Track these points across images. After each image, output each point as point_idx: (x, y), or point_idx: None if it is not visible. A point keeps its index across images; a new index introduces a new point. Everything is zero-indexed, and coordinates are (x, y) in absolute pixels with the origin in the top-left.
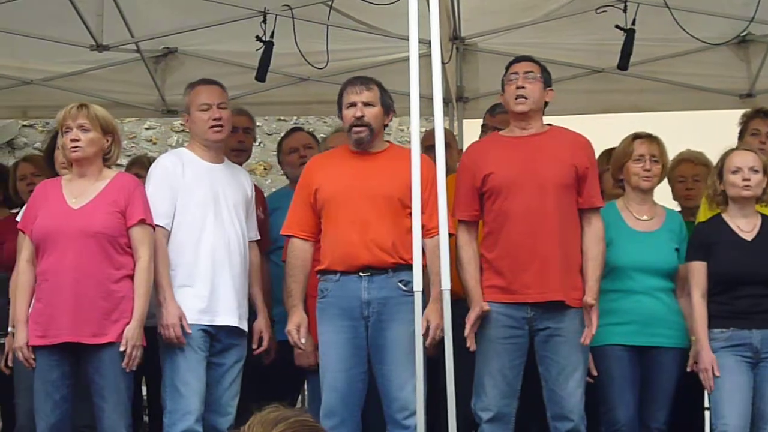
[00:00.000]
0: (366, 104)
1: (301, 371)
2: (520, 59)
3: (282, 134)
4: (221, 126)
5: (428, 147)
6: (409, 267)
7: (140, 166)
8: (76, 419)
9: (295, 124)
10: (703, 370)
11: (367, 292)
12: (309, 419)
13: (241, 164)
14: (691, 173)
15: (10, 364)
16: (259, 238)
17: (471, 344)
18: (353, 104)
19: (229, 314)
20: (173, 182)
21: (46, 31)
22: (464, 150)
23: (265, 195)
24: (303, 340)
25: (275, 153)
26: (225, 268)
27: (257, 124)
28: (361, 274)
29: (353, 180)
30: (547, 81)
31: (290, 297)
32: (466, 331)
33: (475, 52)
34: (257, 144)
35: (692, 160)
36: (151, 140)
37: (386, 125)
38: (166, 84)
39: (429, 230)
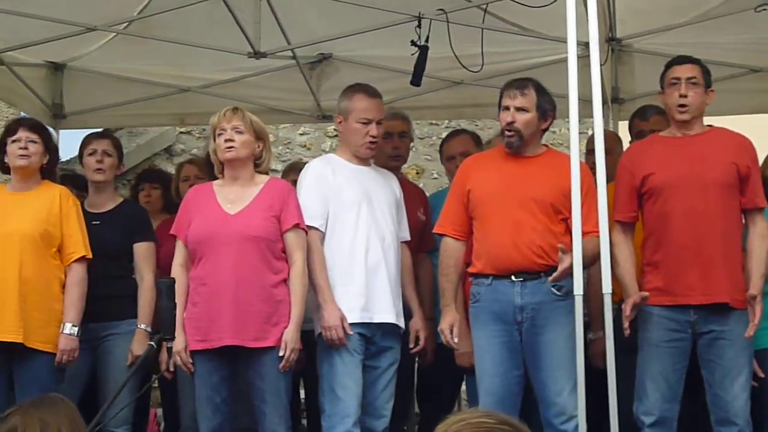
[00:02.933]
0: (519, 109)
1: (460, 373)
2: (681, 61)
3: (434, 138)
4: (375, 144)
5: (589, 151)
6: None
7: (296, 172)
8: (236, 422)
9: (447, 127)
10: None
11: (521, 297)
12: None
13: (398, 169)
14: None
15: (171, 368)
16: (409, 238)
17: (627, 329)
18: (506, 108)
19: (387, 311)
20: (324, 184)
21: (204, 40)
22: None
23: None
24: (456, 340)
25: (427, 157)
26: (381, 266)
27: None
28: (513, 278)
29: (507, 183)
30: (707, 83)
31: (443, 296)
32: (624, 322)
33: (630, 52)
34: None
35: None
36: (305, 146)
37: (545, 129)
38: (321, 89)
39: (584, 234)
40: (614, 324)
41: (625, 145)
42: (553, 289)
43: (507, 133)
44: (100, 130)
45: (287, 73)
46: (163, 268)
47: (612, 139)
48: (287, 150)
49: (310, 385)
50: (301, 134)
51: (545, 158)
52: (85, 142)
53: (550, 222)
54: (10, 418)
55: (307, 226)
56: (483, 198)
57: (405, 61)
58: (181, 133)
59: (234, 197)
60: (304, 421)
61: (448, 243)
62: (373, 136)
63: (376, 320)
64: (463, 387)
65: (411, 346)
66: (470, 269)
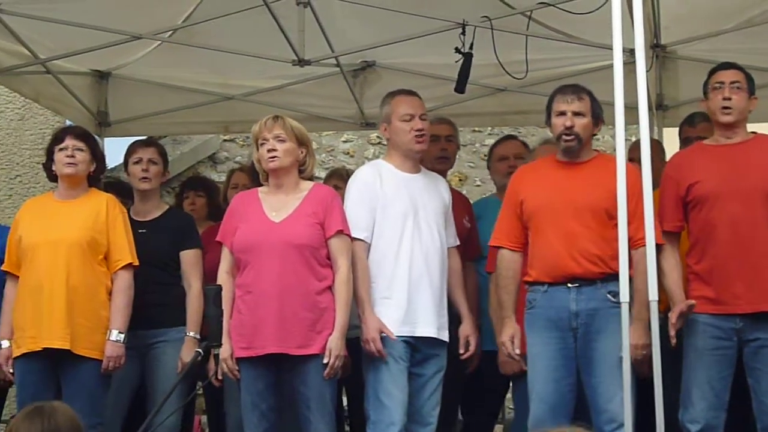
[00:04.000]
0: (576, 114)
1: (505, 380)
2: (725, 67)
3: (477, 145)
4: (423, 136)
5: (631, 159)
6: (617, 277)
7: (338, 177)
8: (283, 429)
9: (490, 134)
10: None
11: (576, 303)
12: None
13: (445, 172)
14: None
15: (219, 376)
16: (458, 243)
17: (674, 338)
18: (563, 113)
19: (429, 325)
20: (372, 195)
21: (248, 48)
22: (667, 160)
23: None
24: (517, 351)
25: (470, 164)
26: (424, 279)
27: None
28: (569, 285)
29: (559, 191)
30: (751, 89)
31: (502, 308)
32: (671, 330)
33: (674, 59)
34: None
35: None
36: (348, 153)
37: (595, 135)
38: (365, 97)
39: (636, 241)
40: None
41: (674, 149)
42: (608, 295)
43: (565, 137)
44: (144, 138)
45: (331, 81)
46: (209, 275)
47: (653, 148)
48: (330, 157)
49: (353, 392)
50: (344, 141)
51: (596, 163)
52: (131, 151)
53: (603, 228)
54: (10, 426)
55: (353, 237)
56: (536, 208)
57: (449, 69)
58: (225, 140)
59: (279, 205)
60: (348, 429)
61: (504, 255)
62: (419, 129)
63: (417, 334)
64: (509, 395)
65: (461, 351)
66: (526, 278)
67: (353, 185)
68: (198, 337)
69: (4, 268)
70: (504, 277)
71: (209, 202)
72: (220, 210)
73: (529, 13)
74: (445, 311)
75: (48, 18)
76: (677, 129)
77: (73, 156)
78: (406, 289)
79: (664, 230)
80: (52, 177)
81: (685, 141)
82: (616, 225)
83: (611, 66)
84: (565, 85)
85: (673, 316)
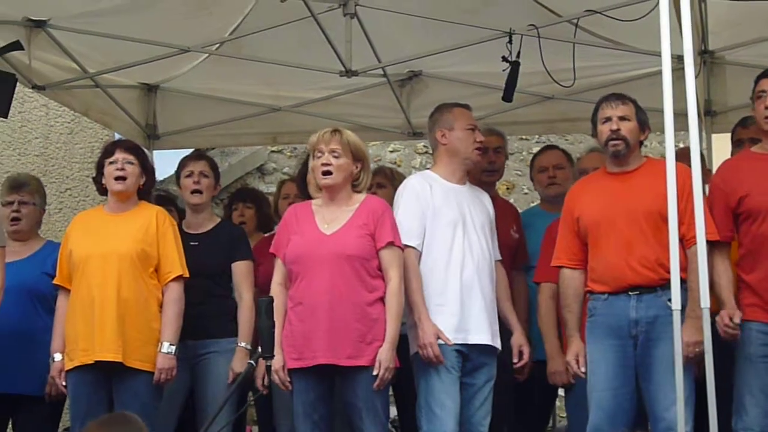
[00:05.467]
0: (621, 118)
1: (554, 390)
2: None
3: (524, 153)
4: (481, 150)
5: None
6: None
7: (383, 175)
8: None
9: (537, 142)
10: None
11: (636, 310)
12: None
13: (493, 184)
14: None
15: (266, 383)
16: (501, 258)
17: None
18: (609, 119)
19: (482, 332)
20: (423, 203)
21: (296, 59)
22: (714, 168)
23: None
24: (583, 369)
25: (518, 172)
26: (475, 286)
27: None
28: (629, 293)
29: (612, 201)
30: None
31: (566, 327)
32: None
33: (722, 65)
34: None
35: None
36: (395, 162)
37: (642, 141)
38: (412, 106)
39: (688, 240)
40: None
41: (723, 156)
42: (668, 302)
43: (613, 142)
44: (195, 151)
45: (377, 91)
46: (260, 286)
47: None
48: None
49: (403, 402)
50: (391, 151)
51: (646, 168)
52: (182, 164)
53: (659, 232)
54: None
55: (404, 244)
56: (592, 221)
57: (496, 77)
58: (273, 152)
59: (331, 217)
60: None
61: (565, 274)
62: (480, 141)
63: (471, 341)
64: (559, 404)
65: (515, 360)
66: (587, 289)
67: (404, 193)
68: (249, 347)
69: (55, 281)
70: (566, 296)
71: (258, 213)
72: (270, 221)
73: (575, 21)
74: (496, 319)
75: (96, 32)
76: (725, 135)
77: (123, 169)
78: (459, 296)
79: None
80: (102, 191)
81: (737, 143)
82: None
83: (659, 73)
84: (609, 94)
85: (722, 318)
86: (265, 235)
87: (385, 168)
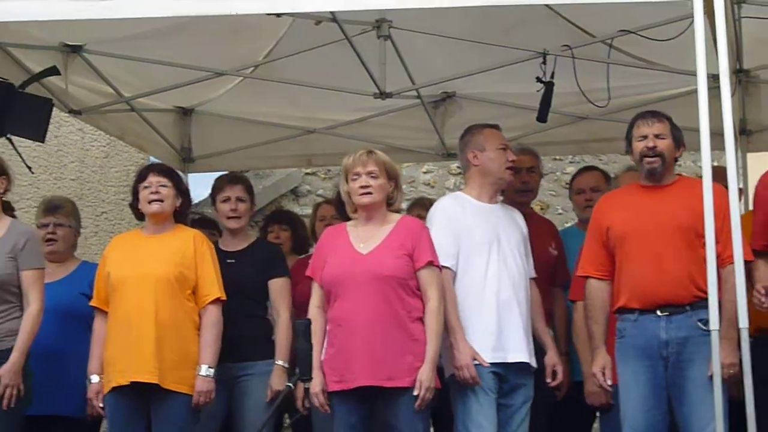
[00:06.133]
0: (657, 136)
1: (592, 410)
2: None
3: (558, 173)
4: (513, 170)
5: None
6: (707, 304)
7: (422, 207)
8: None
9: (571, 162)
10: None
11: (666, 332)
12: None
13: (527, 204)
14: None
15: (306, 405)
16: (535, 276)
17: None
18: (645, 136)
19: (520, 350)
20: (455, 223)
21: (329, 82)
22: (750, 187)
23: None
24: (609, 382)
25: (552, 193)
26: (513, 305)
27: None
28: (659, 313)
29: (645, 214)
30: None
31: (592, 339)
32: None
33: (757, 83)
34: None
35: None
36: (429, 183)
37: (677, 159)
38: (445, 128)
39: (723, 259)
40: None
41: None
42: (698, 323)
43: (649, 159)
44: (229, 173)
45: (411, 113)
46: (297, 307)
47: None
48: (411, 188)
49: (441, 425)
50: (424, 172)
51: (680, 185)
52: (218, 188)
53: (692, 250)
54: None
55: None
56: (623, 233)
57: (529, 98)
58: (307, 174)
59: (366, 236)
60: None
61: (592, 285)
62: (512, 161)
63: (509, 360)
64: (596, 425)
65: (549, 380)
66: (615, 305)
67: (435, 215)
68: (286, 365)
69: (92, 303)
70: (593, 308)
71: (294, 235)
72: (305, 243)
73: (610, 41)
74: (531, 338)
75: (132, 56)
76: (760, 154)
77: (157, 192)
78: (496, 315)
79: (755, 249)
80: (140, 216)
81: None
82: (704, 244)
83: (694, 92)
84: (644, 111)
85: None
86: (301, 257)
87: (423, 199)
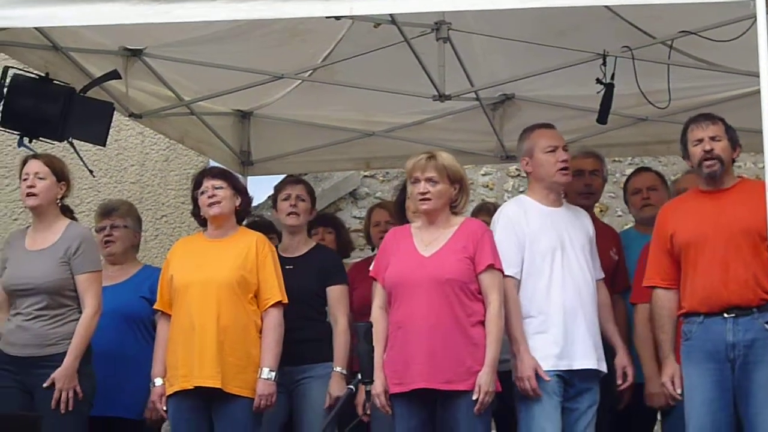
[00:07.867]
0: (713, 138)
1: (652, 413)
2: None
3: (617, 175)
4: (568, 168)
5: None
6: None
7: (486, 212)
8: None
9: (630, 164)
10: None
11: (732, 334)
12: None
13: (589, 207)
14: None
15: (368, 411)
16: (603, 276)
17: None
18: (700, 140)
19: (587, 357)
20: (519, 231)
21: (388, 84)
22: None
23: None
24: (678, 391)
25: (611, 195)
26: (578, 311)
27: None
28: (725, 315)
29: (709, 219)
30: None
31: (661, 348)
32: None
33: None
34: None
35: None
36: (487, 186)
37: (734, 160)
38: (504, 130)
39: None
40: None
41: None
42: (765, 325)
43: (707, 162)
44: (288, 175)
45: (470, 115)
46: (354, 311)
47: None
48: (470, 191)
49: (504, 428)
50: (483, 175)
51: (741, 187)
52: (279, 188)
53: (757, 252)
54: None
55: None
56: (687, 239)
57: (589, 99)
58: (366, 176)
59: (429, 239)
60: None
61: (658, 294)
62: (564, 161)
63: (575, 367)
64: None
65: (619, 382)
66: (681, 310)
67: (499, 223)
68: (345, 372)
69: (156, 306)
70: (660, 317)
71: (338, 239)
72: (349, 246)
73: (670, 42)
74: (600, 342)
75: (191, 60)
76: None
77: (214, 195)
78: (562, 322)
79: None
80: (203, 222)
81: None
82: None
83: (756, 93)
84: (696, 115)
85: None
86: (356, 261)
87: (488, 204)
